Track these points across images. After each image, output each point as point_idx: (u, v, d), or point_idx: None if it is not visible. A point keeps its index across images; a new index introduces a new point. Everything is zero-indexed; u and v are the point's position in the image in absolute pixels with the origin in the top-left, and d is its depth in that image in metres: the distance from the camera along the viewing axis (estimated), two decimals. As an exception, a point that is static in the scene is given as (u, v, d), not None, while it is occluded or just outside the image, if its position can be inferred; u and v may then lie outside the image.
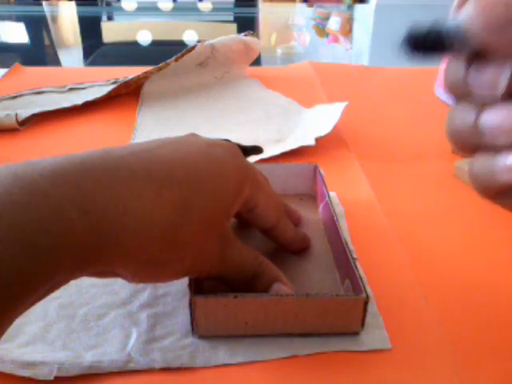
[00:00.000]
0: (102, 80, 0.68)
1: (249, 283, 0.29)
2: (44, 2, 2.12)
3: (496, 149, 0.19)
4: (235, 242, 0.28)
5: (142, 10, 1.79)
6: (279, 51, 2.88)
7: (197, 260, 0.27)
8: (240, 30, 1.53)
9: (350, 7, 2.15)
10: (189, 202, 0.25)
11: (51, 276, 0.20)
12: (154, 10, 1.81)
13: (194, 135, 0.30)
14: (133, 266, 0.24)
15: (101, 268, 0.23)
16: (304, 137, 0.51)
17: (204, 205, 0.26)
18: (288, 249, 0.34)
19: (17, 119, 0.55)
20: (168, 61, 0.65)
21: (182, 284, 0.31)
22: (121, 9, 1.80)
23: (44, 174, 0.21)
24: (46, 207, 0.20)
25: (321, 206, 0.39)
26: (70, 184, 0.21)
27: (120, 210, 0.22)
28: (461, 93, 0.20)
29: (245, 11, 1.72)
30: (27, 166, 0.21)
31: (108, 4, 2.05)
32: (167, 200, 0.24)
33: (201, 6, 1.81)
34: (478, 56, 0.19)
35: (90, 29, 1.69)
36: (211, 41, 0.68)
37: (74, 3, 2.09)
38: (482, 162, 0.20)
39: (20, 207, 0.19)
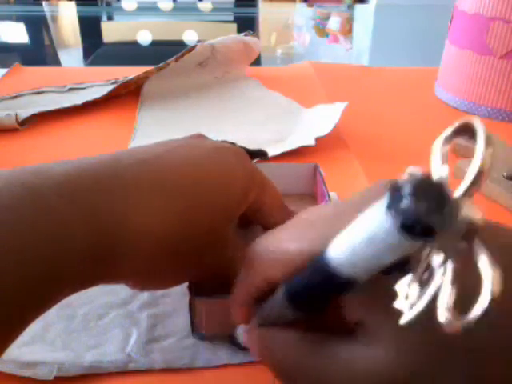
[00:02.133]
0: (102, 80, 0.68)
1: None
2: (44, 2, 2.12)
3: None
4: (236, 243, 0.28)
5: (141, 9, 1.79)
6: (279, 51, 2.88)
7: (199, 266, 0.27)
8: (240, 30, 1.53)
9: (350, 7, 2.15)
10: (195, 211, 0.25)
11: (55, 294, 0.21)
12: (154, 9, 1.81)
13: (200, 136, 0.30)
14: (137, 278, 0.24)
15: (105, 283, 0.23)
16: (304, 137, 0.51)
17: (210, 214, 0.26)
18: None
19: (17, 119, 0.55)
20: (168, 61, 0.65)
21: (182, 284, 0.31)
22: (121, 9, 1.80)
23: (52, 187, 0.21)
24: (55, 224, 0.20)
25: (321, 206, 0.39)
26: (78, 199, 0.21)
27: (128, 226, 0.22)
28: None
29: (245, 11, 1.72)
30: (36, 177, 0.21)
31: (108, 4, 2.05)
32: (174, 210, 0.24)
33: (201, 5, 1.81)
34: None
35: (89, 29, 1.69)
36: (211, 41, 0.68)
37: (73, 3, 2.08)
38: None
39: (29, 223, 0.19)
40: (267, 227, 0.33)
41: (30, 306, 0.20)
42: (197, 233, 0.25)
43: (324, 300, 0.20)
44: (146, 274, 0.24)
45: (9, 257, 0.18)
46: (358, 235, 0.16)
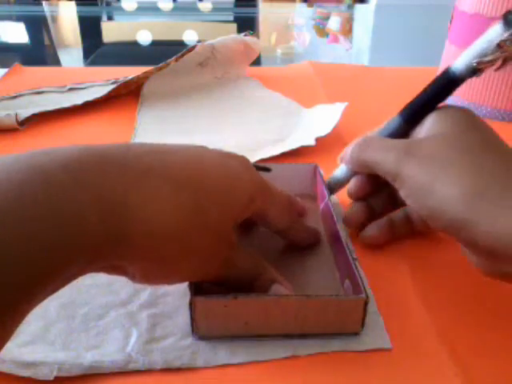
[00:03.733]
0: (102, 80, 0.68)
1: (248, 285, 0.29)
2: (44, 2, 2.12)
3: None
4: (238, 247, 0.29)
5: (142, 9, 1.79)
6: (279, 51, 2.88)
7: (204, 264, 0.27)
8: (240, 30, 1.53)
9: (350, 7, 2.15)
10: (203, 207, 0.25)
11: (64, 269, 0.20)
12: (154, 9, 1.81)
13: (204, 147, 0.30)
14: (144, 264, 0.24)
15: (112, 262, 0.23)
16: (304, 137, 0.51)
17: (217, 211, 0.26)
18: (299, 245, 0.35)
19: (17, 119, 0.55)
20: (168, 61, 0.65)
21: (182, 284, 0.31)
22: (121, 9, 1.80)
23: (63, 164, 0.21)
24: (64, 200, 0.20)
25: (321, 207, 0.39)
26: (89, 177, 0.22)
27: (138, 206, 0.23)
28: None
29: (245, 11, 1.72)
30: (46, 156, 0.21)
31: (108, 4, 2.05)
32: (184, 202, 0.24)
33: (201, 6, 1.81)
34: None
35: (90, 29, 1.69)
36: (211, 41, 0.68)
37: (73, 3, 2.09)
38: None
39: (39, 200, 0.19)
40: (273, 231, 0.34)
41: (38, 280, 0.20)
42: (205, 227, 0.25)
43: (435, 105, 0.33)
44: (153, 261, 0.24)
45: (19, 230, 0.19)
46: (473, 48, 0.30)
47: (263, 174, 0.31)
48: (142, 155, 0.25)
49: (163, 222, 0.23)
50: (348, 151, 0.35)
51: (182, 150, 0.28)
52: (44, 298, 0.21)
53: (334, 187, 0.38)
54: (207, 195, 0.26)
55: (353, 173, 0.36)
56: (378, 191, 0.36)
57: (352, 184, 0.36)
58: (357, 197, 0.36)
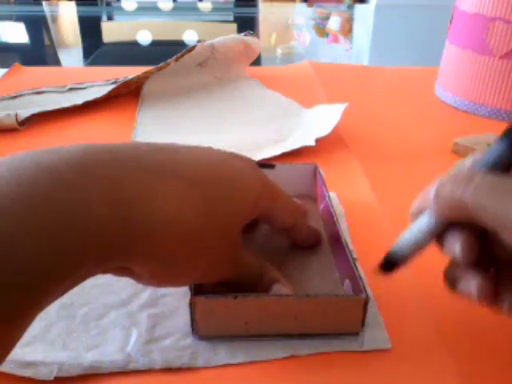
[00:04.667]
0: (102, 80, 0.68)
1: (249, 285, 0.29)
2: (44, 2, 2.11)
3: None
4: (243, 249, 0.29)
5: (141, 9, 1.79)
6: (279, 51, 2.88)
7: (211, 266, 0.27)
8: (240, 30, 1.53)
9: (350, 7, 2.15)
10: (213, 207, 0.25)
11: (75, 269, 0.20)
12: (154, 9, 1.81)
13: (210, 148, 0.30)
14: (152, 264, 0.24)
15: (122, 263, 0.23)
16: (304, 137, 0.51)
17: (226, 212, 0.26)
18: (301, 245, 0.35)
19: (17, 119, 0.55)
20: (168, 61, 0.65)
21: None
22: (121, 9, 1.80)
23: (70, 164, 0.21)
24: (73, 199, 0.20)
25: (321, 207, 0.39)
26: (97, 175, 0.21)
27: (148, 204, 0.22)
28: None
29: (245, 11, 1.72)
30: (52, 155, 0.21)
31: (108, 4, 2.05)
32: (194, 202, 0.24)
33: (201, 6, 1.81)
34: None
35: (90, 29, 1.69)
36: (211, 41, 0.68)
37: (73, 3, 2.09)
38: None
39: (47, 200, 0.19)
40: (277, 230, 0.34)
41: (48, 282, 0.19)
42: (215, 228, 0.25)
43: None
44: (162, 260, 0.24)
45: (27, 231, 0.18)
46: None
47: (267, 172, 0.31)
48: (150, 154, 0.25)
49: (173, 223, 0.23)
50: (431, 192, 0.24)
51: (191, 150, 0.27)
52: (53, 300, 0.21)
53: (403, 254, 0.27)
54: (217, 195, 0.26)
55: (439, 226, 0.26)
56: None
57: (457, 244, 0.25)
58: (470, 261, 0.24)
